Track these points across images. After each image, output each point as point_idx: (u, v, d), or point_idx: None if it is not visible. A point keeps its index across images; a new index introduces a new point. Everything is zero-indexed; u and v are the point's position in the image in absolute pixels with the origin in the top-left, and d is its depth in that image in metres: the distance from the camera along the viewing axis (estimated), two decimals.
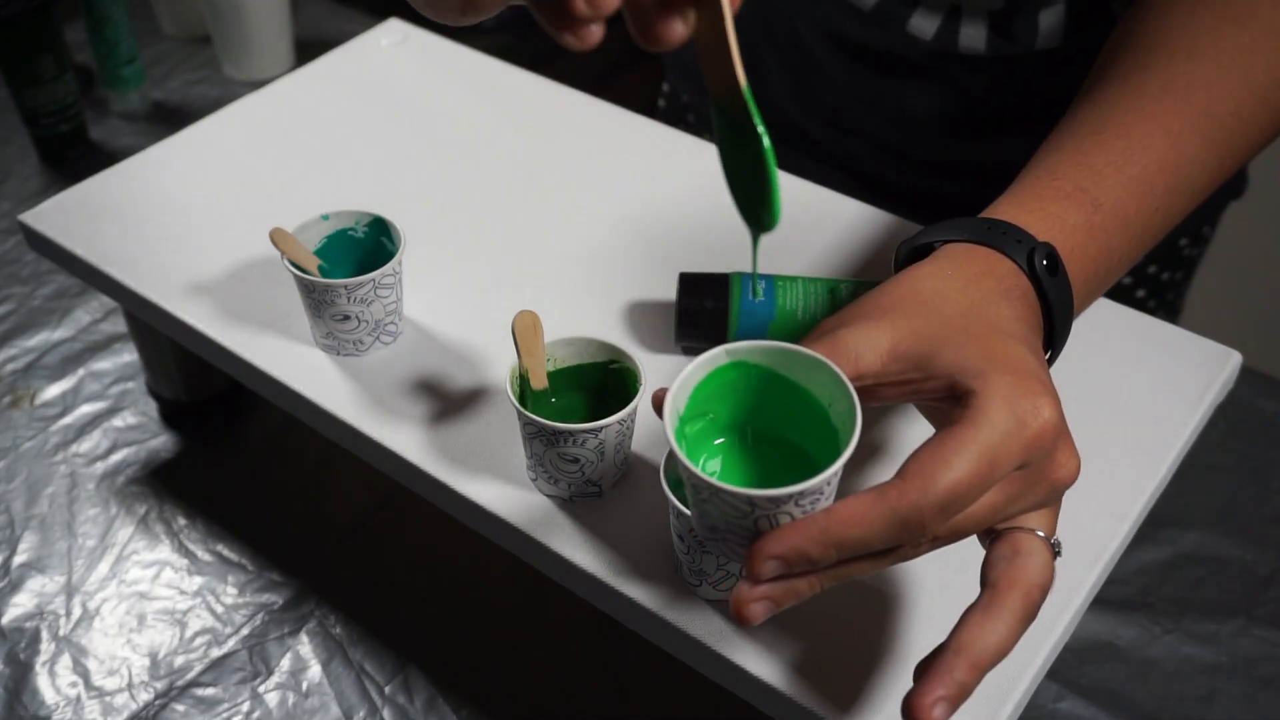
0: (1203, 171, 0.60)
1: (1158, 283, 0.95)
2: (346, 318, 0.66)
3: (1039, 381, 0.46)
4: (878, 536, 0.43)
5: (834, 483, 0.46)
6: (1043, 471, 0.46)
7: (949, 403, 0.46)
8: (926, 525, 0.42)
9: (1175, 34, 0.62)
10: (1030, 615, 0.45)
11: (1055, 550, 0.47)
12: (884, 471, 0.62)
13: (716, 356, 0.49)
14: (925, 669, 0.44)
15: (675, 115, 1.05)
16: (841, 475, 0.46)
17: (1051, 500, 0.47)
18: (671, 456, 0.55)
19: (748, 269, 0.74)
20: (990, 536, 0.48)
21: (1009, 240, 0.53)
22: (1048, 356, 0.54)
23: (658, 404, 0.49)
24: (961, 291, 0.50)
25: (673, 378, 0.66)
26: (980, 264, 0.52)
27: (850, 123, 0.89)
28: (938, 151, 0.86)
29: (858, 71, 0.85)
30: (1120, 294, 0.92)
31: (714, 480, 0.45)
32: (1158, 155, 0.58)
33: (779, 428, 0.51)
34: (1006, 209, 0.55)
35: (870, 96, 0.86)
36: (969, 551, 0.58)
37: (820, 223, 0.77)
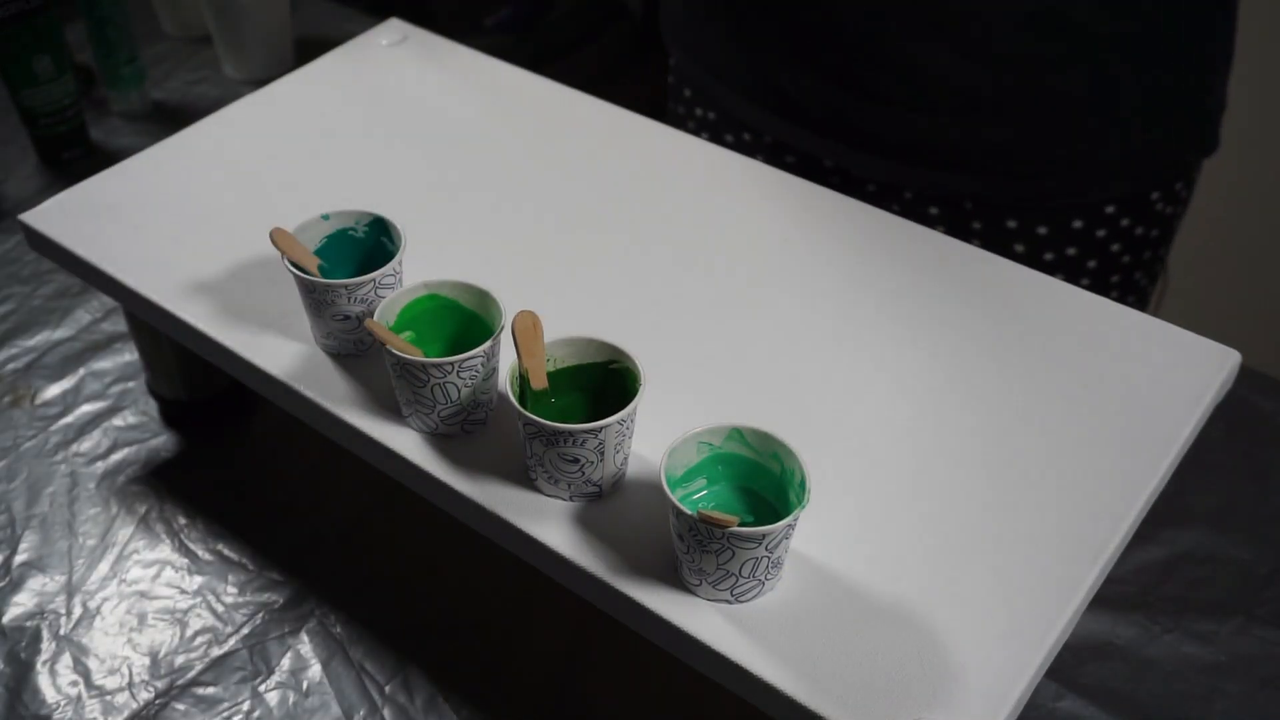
0: None
1: (1132, 238, 0.94)
2: (347, 318, 0.66)
3: None
4: None
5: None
6: None
7: None
8: None
9: None
10: None
11: None
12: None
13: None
14: None
15: (682, 97, 1.05)
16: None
17: None
18: (671, 456, 0.56)
19: None
20: None
21: None
22: None
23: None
24: None
25: (672, 378, 0.66)
26: None
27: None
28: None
29: None
30: (1096, 249, 0.92)
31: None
32: None
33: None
34: None
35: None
36: (969, 552, 0.58)
37: (823, 222, 0.77)
